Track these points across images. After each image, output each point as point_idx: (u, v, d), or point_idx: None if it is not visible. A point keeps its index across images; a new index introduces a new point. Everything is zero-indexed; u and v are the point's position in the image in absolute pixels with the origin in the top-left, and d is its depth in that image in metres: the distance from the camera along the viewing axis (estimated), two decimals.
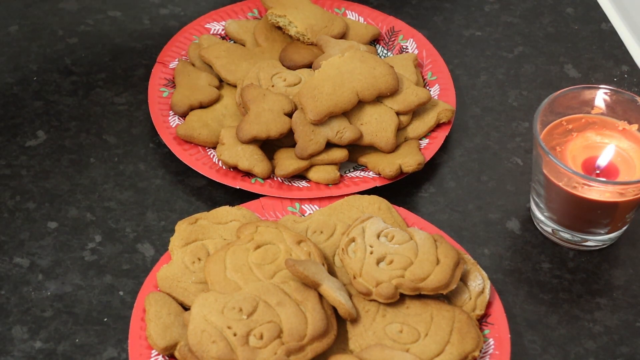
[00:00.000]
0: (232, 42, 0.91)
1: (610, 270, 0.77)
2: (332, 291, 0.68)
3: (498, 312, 0.71)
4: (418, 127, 0.84)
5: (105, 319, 0.73)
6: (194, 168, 0.80)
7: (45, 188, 0.81)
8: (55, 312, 0.73)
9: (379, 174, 0.81)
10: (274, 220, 0.76)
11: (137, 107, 0.88)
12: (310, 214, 0.78)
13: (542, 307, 0.75)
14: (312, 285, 0.68)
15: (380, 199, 0.77)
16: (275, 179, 0.80)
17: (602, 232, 0.77)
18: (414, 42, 0.92)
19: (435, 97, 0.87)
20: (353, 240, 0.72)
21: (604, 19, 0.99)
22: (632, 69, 0.93)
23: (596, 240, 0.78)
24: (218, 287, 0.69)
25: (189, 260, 0.73)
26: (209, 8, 0.96)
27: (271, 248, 0.72)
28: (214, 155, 0.82)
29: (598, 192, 0.73)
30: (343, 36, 0.90)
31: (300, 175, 0.81)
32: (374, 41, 0.93)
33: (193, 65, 0.88)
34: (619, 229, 0.78)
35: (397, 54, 0.91)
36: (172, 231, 0.76)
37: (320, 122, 0.80)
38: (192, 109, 0.84)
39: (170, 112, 0.85)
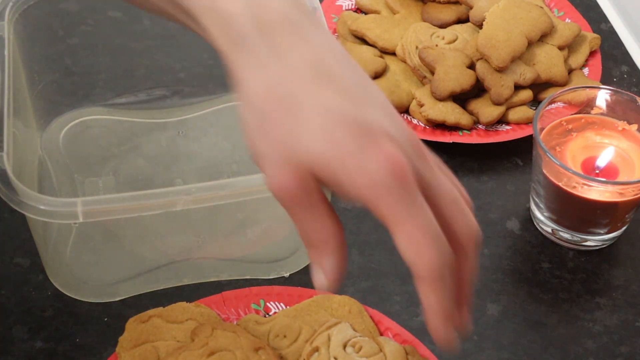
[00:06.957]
0: (364, 14, 0.95)
1: (610, 270, 0.78)
2: None
3: None
4: (577, 58, 0.90)
5: (106, 319, 0.73)
6: None
7: None
8: (56, 311, 0.73)
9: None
10: (231, 323, 0.69)
11: None
12: (275, 312, 0.71)
13: (542, 307, 0.75)
14: None
15: (352, 300, 0.71)
16: (478, 127, 0.85)
17: (602, 232, 0.77)
18: None
19: None
20: (317, 349, 0.66)
21: (604, 19, 0.99)
22: (632, 69, 0.93)
23: (596, 240, 0.78)
24: None
25: None
26: None
27: (226, 355, 0.66)
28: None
29: (598, 192, 0.74)
30: None
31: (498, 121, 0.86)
32: None
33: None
34: (618, 229, 0.78)
35: None
36: None
37: (505, 68, 0.84)
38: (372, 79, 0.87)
39: None
